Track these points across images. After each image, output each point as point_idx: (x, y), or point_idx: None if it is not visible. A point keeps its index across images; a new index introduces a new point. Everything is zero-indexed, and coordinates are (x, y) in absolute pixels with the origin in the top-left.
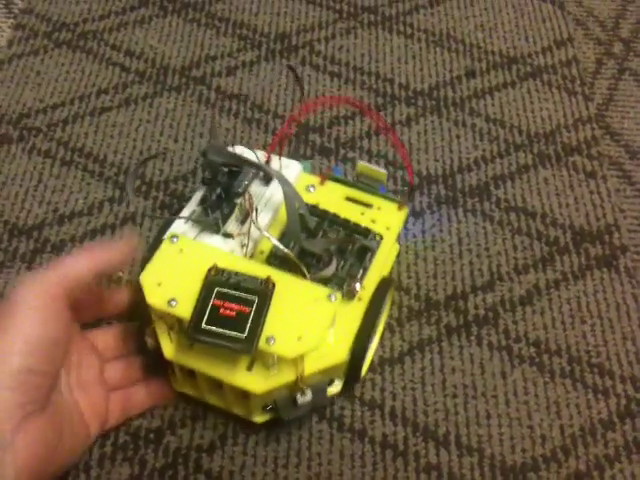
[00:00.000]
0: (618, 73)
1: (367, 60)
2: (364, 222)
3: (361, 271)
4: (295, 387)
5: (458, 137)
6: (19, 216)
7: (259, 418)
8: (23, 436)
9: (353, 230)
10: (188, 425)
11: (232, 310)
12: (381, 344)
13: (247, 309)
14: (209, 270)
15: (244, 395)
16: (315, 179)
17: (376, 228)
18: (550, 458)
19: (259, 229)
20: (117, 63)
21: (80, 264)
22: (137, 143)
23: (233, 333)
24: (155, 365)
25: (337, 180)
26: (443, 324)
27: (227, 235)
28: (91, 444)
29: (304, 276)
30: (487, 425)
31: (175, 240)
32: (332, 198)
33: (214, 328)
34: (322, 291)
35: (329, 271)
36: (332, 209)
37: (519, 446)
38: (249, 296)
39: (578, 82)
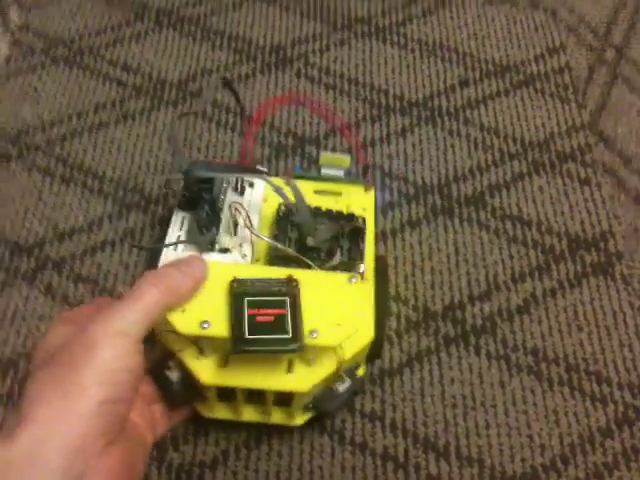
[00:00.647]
0: (610, 79)
1: (361, 71)
2: (342, 209)
3: (359, 253)
4: (333, 377)
5: (453, 147)
6: (20, 234)
7: (300, 420)
8: (107, 461)
9: (338, 218)
10: (190, 442)
11: (268, 315)
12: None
13: (283, 311)
14: (231, 283)
15: (286, 400)
16: (279, 181)
17: (355, 211)
18: (549, 467)
19: (260, 236)
20: (114, 78)
21: (156, 299)
22: (135, 158)
23: (279, 336)
24: (178, 399)
25: (301, 177)
26: (441, 334)
27: (223, 250)
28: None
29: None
30: (487, 435)
31: (201, 258)
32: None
33: (258, 336)
34: (342, 277)
35: (336, 259)
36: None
37: (519, 456)
38: (279, 298)
39: (571, 89)
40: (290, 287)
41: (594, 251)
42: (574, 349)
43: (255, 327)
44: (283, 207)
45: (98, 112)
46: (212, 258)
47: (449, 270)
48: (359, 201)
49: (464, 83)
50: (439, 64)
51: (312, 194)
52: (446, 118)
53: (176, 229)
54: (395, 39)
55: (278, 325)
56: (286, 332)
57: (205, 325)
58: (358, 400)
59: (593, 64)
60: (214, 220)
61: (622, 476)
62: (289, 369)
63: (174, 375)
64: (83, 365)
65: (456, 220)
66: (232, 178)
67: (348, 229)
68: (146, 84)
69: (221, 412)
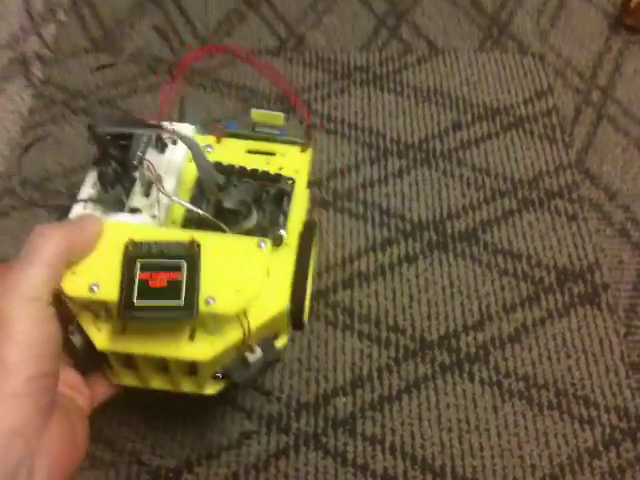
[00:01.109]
0: (596, 119)
1: (360, 117)
2: (272, 170)
3: (282, 217)
4: (243, 347)
5: (447, 186)
6: None
7: (210, 390)
8: (48, 439)
9: (264, 178)
10: (204, 464)
11: (162, 280)
12: (380, 382)
13: (178, 275)
14: (126, 246)
15: (191, 369)
16: (211, 138)
17: (285, 173)
18: None
19: (168, 196)
20: None
21: (54, 252)
22: None
23: (170, 302)
24: (89, 363)
25: (234, 135)
26: (437, 362)
27: (134, 210)
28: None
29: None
30: (480, 457)
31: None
32: (233, 154)
33: (148, 302)
34: (251, 241)
35: (250, 222)
36: (236, 164)
37: (510, 476)
38: (176, 261)
39: (558, 130)
40: (190, 251)
41: (581, 282)
42: (563, 375)
43: (146, 292)
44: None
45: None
46: (118, 218)
47: (444, 301)
48: (293, 163)
49: (457, 126)
50: (433, 109)
51: (244, 153)
52: (440, 159)
53: (88, 186)
54: (392, 86)
55: (171, 291)
56: (179, 298)
57: (94, 288)
58: (359, 424)
59: (579, 105)
60: (123, 177)
61: None
62: (191, 337)
63: (77, 340)
64: (2, 343)
65: (450, 254)
66: (152, 134)
67: (273, 191)
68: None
69: (127, 379)
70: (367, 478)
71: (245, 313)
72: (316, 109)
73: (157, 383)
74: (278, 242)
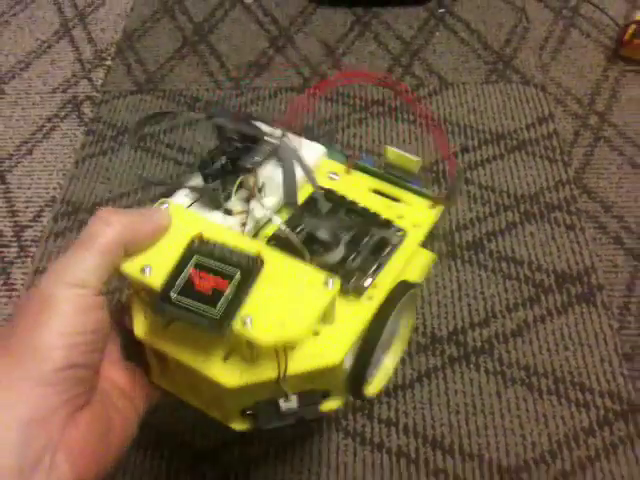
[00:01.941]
0: (594, 141)
1: (377, 144)
2: (388, 216)
3: (375, 266)
4: (278, 391)
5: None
6: None
7: (236, 425)
8: (74, 432)
9: (372, 220)
10: (237, 442)
11: (209, 283)
12: (394, 373)
13: (226, 283)
14: (192, 239)
15: (220, 394)
16: (340, 167)
17: (401, 223)
18: (539, 460)
19: (262, 204)
20: (171, 158)
21: (111, 238)
22: None
23: (206, 309)
24: (133, 352)
25: (365, 170)
26: (446, 355)
27: (228, 212)
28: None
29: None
30: (485, 435)
31: (165, 207)
32: (356, 189)
33: (185, 300)
34: (318, 275)
35: (333, 257)
36: (354, 198)
37: (513, 452)
38: (231, 270)
39: (558, 151)
40: (251, 264)
41: (578, 284)
42: (561, 364)
43: (188, 291)
44: (319, 189)
45: (158, 186)
46: (210, 216)
47: (452, 303)
48: (416, 216)
49: (465, 150)
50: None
51: (368, 190)
52: (450, 179)
53: (199, 176)
54: (405, 117)
55: (213, 299)
56: (215, 309)
57: (146, 270)
58: (376, 409)
59: (578, 129)
60: (227, 176)
61: (602, 467)
62: (225, 358)
63: (128, 322)
64: (37, 326)
65: (459, 261)
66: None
67: (377, 237)
68: (197, 161)
69: (161, 380)
70: (383, 454)
71: (285, 352)
72: (337, 138)
73: (190, 398)
74: (358, 291)
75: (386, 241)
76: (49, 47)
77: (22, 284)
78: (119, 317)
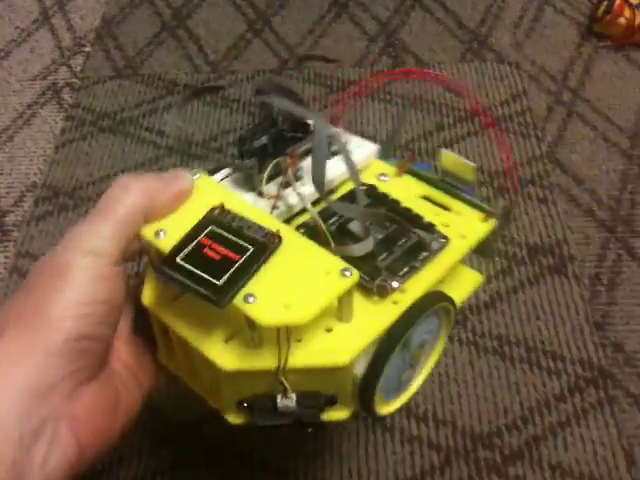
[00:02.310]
0: (567, 117)
1: (354, 123)
2: (433, 221)
3: (406, 269)
4: (276, 385)
5: None
6: None
7: (232, 417)
8: (79, 404)
9: (413, 222)
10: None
11: (218, 253)
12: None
13: (235, 256)
14: (213, 208)
15: (217, 379)
16: (391, 170)
17: (444, 231)
18: (511, 426)
19: (296, 191)
20: (150, 141)
21: (130, 207)
22: None
23: (209, 277)
24: (144, 328)
25: (418, 176)
26: None
27: (261, 194)
28: (147, 397)
29: (327, 245)
30: (459, 403)
31: (197, 177)
32: (404, 192)
33: (189, 266)
34: (336, 263)
35: (360, 249)
36: (403, 201)
37: (485, 418)
38: (244, 244)
39: (532, 127)
40: (267, 241)
41: (550, 256)
42: (533, 334)
43: (195, 257)
44: (360, 184)
45: (138, 168)
46: (243, 196)
47: None
48: (464, 226)
49: (440, 127)
50: (419, 114)
51: (417, 196)
52: (425, 156)
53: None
54: (382, 96)
55: (219, 268)
56: (220, 278)
57: (161, 234)
58: None
59: (551, 105)
60: (265, 156)
61: (573, 431)
62: (227, 340)
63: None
64: (50, 293)
65: None
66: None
67: (415, 240)
68: (176, 144)
69: (167, 361)
70: (359, 423)
71: (288, 342)
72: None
73: (191, 382)
74: (383, 292)
75: (424, 245)
76: (28, 35)
77: (4, 267)
78: (136, 292)
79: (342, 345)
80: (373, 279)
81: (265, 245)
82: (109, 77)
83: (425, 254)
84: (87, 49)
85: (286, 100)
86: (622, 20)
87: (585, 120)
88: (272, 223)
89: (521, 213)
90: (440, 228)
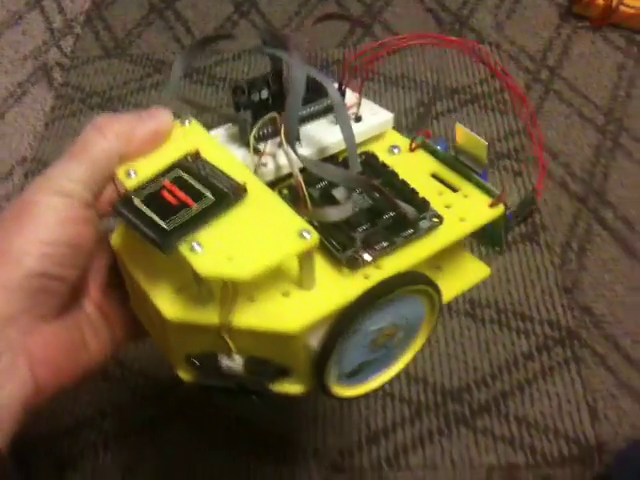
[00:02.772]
0: (544, 94)
1: None
2: (434, 202)
3: (384, 244)
4: (220, 344)
5: None
6: None
7: (182, 373)
8: (37, 340)
9: (405, 196)
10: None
11: (177, 198)
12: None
13: (193, 203)
14: (186, 155)
15: (165, 329)
16: (405, 141)
17: (443, 211)
18: (480, 382)
19: (287, 152)
20: None
21: (103, 149)
22: None
23: (159, 220)
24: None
25: (431, 151)
26: None
27: (256, 151)
28: (123, 345)
29: (305, 208)
30: (430, 361)
31: (187, 123)
32: (413, 167)
33: (144, 208)
34: (296, 223)
35: (335, 214)
36: (404, 177)
37: (456, 375)
38: (206, 192)
39: (509, 104)
40: (230, 192)
41: (523, 225)
42: (504, 297)
43: (153, 200)
44: (363, 157)
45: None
46: (235, 152)
47: None
48: (468, 210)
49: (420, 104)
50: (400, 91)
51: (427, 174)
52: (405, 132)
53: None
54: (363, 74)
55: (173, 212)
56: (169, 223)
57: (131, 174)
58: None
59: (529, 83)
60: (261, 109)
61: (539, 387)
62: (179, 289)
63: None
64: (13, 231)
65: None
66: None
67: (402, 214)
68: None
69: (135, 305)
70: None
71: (234, 299)
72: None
73: (151, 331)
74: (353, 264)
75: (411, 222)
76: (20, 18)
77: None
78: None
79: (295, 312)
80: (345, 249)
81: (226, 196)
82: (98, 57)
83: (410, 231)
84: (77, 30)
85: (297, 57)
86: (600, 1)
87: (562, 98)
88: (243, 176)
89: (496, 184)
90: (438, 208)
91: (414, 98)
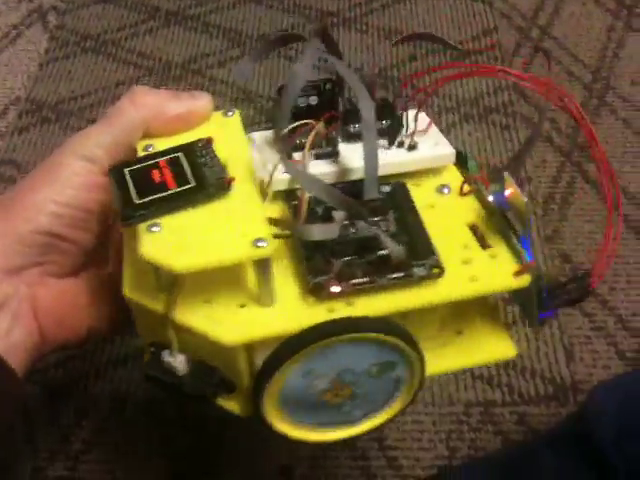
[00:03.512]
0: (534, 52)
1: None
2: (453, 254)
3: (363, 280)
4: (163, 333)
5: None
6: None
7: (146, 354)
8: (44, 292)
9: (413, 237)
10: None
11: (162, 177)
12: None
13: (174, 185)
14: (199, 139)
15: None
16: (458, 182)
17: (457, 266)
18: None
19: (307, 155)
20: (131, 62)
21: (132, 120)
22: None
23: (133, 192)
24: None
25: (483, 203)
26: None
27: (289, 156)
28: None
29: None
30: None
31: (230, 114)
32: (452, 214)
33: (128, 179)
34: (258, 230)
35: (319, 232)
36: (437, 221)
37: None
38: (191, 178)
39: (500, 61)
40: (215, 182)
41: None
42: None
43: (140, 173)
44: (392, 187)
45: (118, 87)
46: (267, 151)
47: None
48: (486, 271)
49: (413, 58)
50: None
51: (463, 222)
52: (396, 84)
53: None
54: (358, 27)
55: (150, 189)
56: (142, 198)
57: (148, 148)
58: None
59: (520, 41)
60: (307, 116)
61: (518, 330)
62: (147, 272)
63: None
64: (32, 188)
65: None
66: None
67: (388, 253)
68: (156, 66)
69: None
70: None
71: (177, 291)
72: (292, 46)
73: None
74: (317, 292)
75: (401, 265)
76: None
77: None
78: None
79: (237, 324)
80: (316, 275)
81: (207, 187)
82: (94, 1)
83: (399, 275)
84: None
85: (346, 69)
86: None
87: (551, 56)
88: (240, 174)
89: (484, 137)
90: (454, 261)
91: (406, 52)
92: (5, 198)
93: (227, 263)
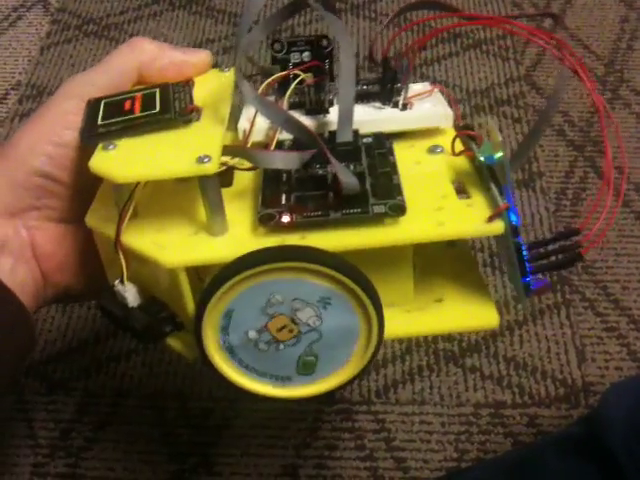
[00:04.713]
0: (546, 42)
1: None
2: (428, 202)
3: (316, 213)
4: (115, 263)
5: None
6: None
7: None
8: (43, 234)
9: (379, 180)
10: None
11: (132, 106)
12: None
13: (138, 111)
14: (188, 80)
15: None
16: (453, 143)
17: (428, 212)
18: None
19: (282, 100)
20: None
21: (128, 65)
22: None
23: (100, 118)
24: None
25: (475, 162)
26: None
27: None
28: None
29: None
30: None
31: (226, 70)
32: (438, 170)
33: (101, 108)
34: (204, 149)
35: (280, 160)
36: (415, 177)
37: None
38: (157, 105)
39: (511, 51)
40: (177, 110)
41: (520, 171)
42: (495, 241)
43: (114, 103)
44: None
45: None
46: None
47: None
48: (457, 216)
49: (423, 48)
50: (402, 33)
51: (448, 178)
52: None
53: None
54: (367, 14)
55: (117, 115)
56: (104, 120)
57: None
58: None
59: (532, 32)
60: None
61: (529, 329)
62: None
63: None
64: (29, 130)
65: None
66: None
67: (347, 191)
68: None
69: None
70: None
71: (122, 219)
72: (298, 32)
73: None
74: (264, 221)
75: (362, 203)
76: None
77: None
78: None
79: (183, 249)
80: (268, 206)
81: (169, 111)
82: None
83: (355, 210)
84: None
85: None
86: None
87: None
88: (211, 114)
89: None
90: (426, 208)
91: (415, 39)
92: (4, 144)
93: (167, 176)
